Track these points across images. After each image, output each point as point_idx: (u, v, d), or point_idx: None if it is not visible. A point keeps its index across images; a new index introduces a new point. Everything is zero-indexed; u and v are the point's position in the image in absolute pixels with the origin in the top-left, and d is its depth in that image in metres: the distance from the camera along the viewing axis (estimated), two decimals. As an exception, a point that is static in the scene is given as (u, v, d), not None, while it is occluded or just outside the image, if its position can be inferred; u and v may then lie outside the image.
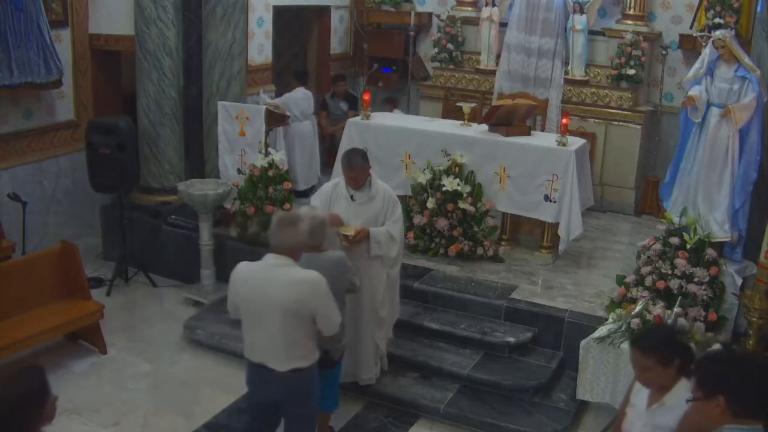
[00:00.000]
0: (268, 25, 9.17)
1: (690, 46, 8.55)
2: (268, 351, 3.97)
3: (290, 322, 3.87)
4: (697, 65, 6.40)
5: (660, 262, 5.52)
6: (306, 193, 8.34)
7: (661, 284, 5.44)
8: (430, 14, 10.42)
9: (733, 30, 6.80)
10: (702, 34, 7.61)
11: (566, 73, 8.90)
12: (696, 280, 5.34)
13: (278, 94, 9.35)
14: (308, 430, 4.28)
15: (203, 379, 5.90)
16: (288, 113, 8.07)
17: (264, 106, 7.33)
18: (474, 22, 9.49)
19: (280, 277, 3.86)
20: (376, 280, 5.27)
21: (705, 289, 5.32)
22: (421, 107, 9.69)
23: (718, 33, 6.28)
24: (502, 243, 7.11)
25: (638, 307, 5.17)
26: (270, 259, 3.93)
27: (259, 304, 3.90)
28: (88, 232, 7.91)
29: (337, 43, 10.77)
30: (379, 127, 7.36)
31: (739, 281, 5.97)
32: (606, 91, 8.77)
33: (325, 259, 4.32)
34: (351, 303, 5.17)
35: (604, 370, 5.01)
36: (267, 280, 3.88)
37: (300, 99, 8.73)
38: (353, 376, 5.46)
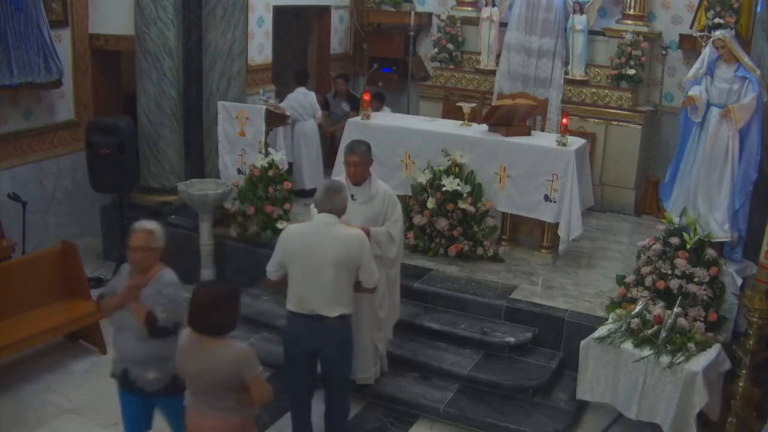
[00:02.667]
0: (268, 25, 9.18)
1: (690, 46, 8.55)
2: (321, 300, 4.47)
3: (341, 273, 4.45)
4: (697, 65, 6.40)
5: (660, 262, 5.52)
6: (311, 193, 8.36)
7: (661, 284, 5.44)
8: (430, 14, 10.42)
9: (733, 30, 6.78)
10: (702, 34, 7.61)
11: (566, 73, 8.90)
12: (696, 280, 5.34)
13: (278, 94, 9.37)
14: (347, 377, 4.84)
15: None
16: (289, 113, 8.16)
17: (264, 106, 7.33)
18: (474, 22, 9.49)
19: (333, 233, 4.48)
20: (376, 280, 5.28)
21: (705, 289, 5.32)
22: (421, 107, 9.69)
23: (718, 33, 6.27)
24: (502, 243, 7.11)
25: (638, 307, 5.16)
26: (322, 218, 4.53)
27: (316, 257, 4.43)
28: (88, 232, 7.91)
29: (337, 43, 10.78)
30: (379, 127, 7.36)
31: (739, 281, 5.97)
32: (606, 91, 8.77)
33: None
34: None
35: (604, 370, 5.00)
36: (323, 236, 4.48)
37: (301, 99, 8.75)
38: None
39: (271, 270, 4.65)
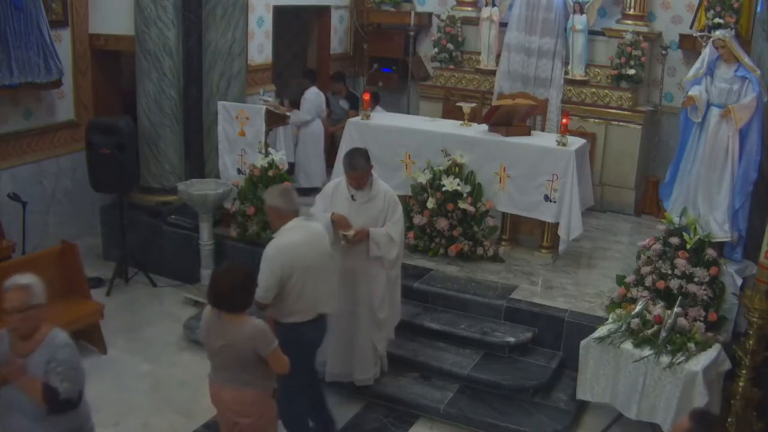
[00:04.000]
0: (268, 25, 9.18)
1: (690, 46, 8.55)
2: (329, 297, 4.69)
3: (334, 264, 4.78)
4: (697, 65, 6.39)
5: (660, 262, 5.52)
6: (308, 192, 8.42)
7: (661, 284, 5.44)
8: (430, 14, 10.42)
9: (733, 30, 6.78)
10: (702, 34, 7.61)
11: (566, 73, 8.90)
12: (696, 280, 5.34)
13: (278, 95, 9.38)
14: None
15: (203, 379, 5.82)
16: (310, 117, 8.66)
17: (264, 106, 7.33)
18: (474, 22, 9.49)
19: (316, 231, 4.66)
20: (375, 281, 5.27)
21: (705, 289, 5.32)
22: (421, 107, 9.69)
23: (718, 33, 6.27)
24: (502, 243, 7.10)
25: (638, 307, 5.16)
26: (300, 221, 4.58)
27: (318, 260, 4.55)
28: (88, 232, 7.91)
29: (337, 43, 10.78)
30: (379, 127, 7.36)
31: (739, 281, 5.96)
32: (606, 91, 8.77)
33: None
34: (349, 303, 5.17)
35: (604, 370, 5.00)
36: (315, 237, 4.60)
37: (314, 99, 8.89)
38: (349, 375, 5.47)
39: (268, 293, 4.39)
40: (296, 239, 4.48)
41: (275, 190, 4.65)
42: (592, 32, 8.83)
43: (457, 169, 6.81)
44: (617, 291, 5.85)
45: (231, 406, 4.08)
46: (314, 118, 8.93)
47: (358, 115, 7.69)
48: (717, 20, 7.95)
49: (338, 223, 5.11)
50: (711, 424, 3.36)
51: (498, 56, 9.26)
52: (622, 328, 5.06)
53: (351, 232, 5.07)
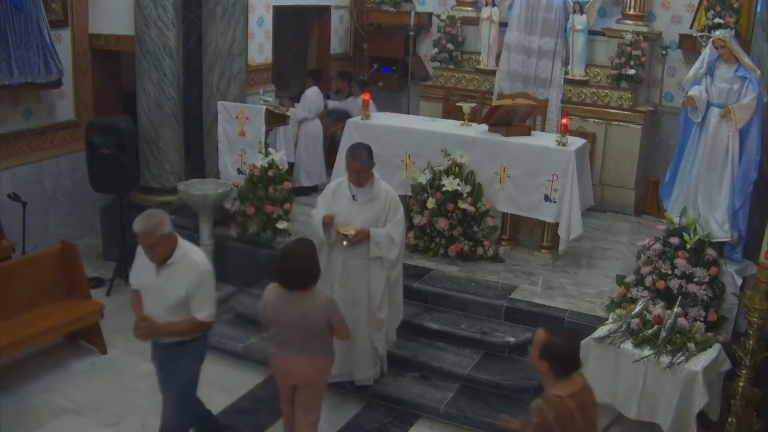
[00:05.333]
0: (268, 25, 9.18)
1: (690, 46, 8.55)
2: None
3: None
4: (697, 65, 6.39)
5: (660, 262, 5.52)
6: (314, 190, 8.48)
7: (661, 284, 5.44)
8: (430, 14, 10.42)
9: (733, 30, 6.76)
10: (702, 34, 7.60)
11: (566, 73, 8.90)
12: (696, 280, 5.34)
13: (278, 94, 9.38)
14: None
15: (203, 379, 5.86)
16: (307, 115, 8.64)
17: (264, 106, 7.33)
18: (474, 22, 9.49)
19: None
20: (375, 281, 5.27)
21: (705, 289, 5.32)
22: (421, 107, 9.69)
23: (718, 33, 6.26)
24: (502, 243, 7.10)
25: (638, 307, 5.16)
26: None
27: None
28: (88, 232, 7.91)
29: (337, 43, 10.77)
30: (379, 127, 7.36)
31: (739, 281, 5.96)
32: (606, 91, 8.77)
33: None
34: (349, 304, 5.16)
35: (604, 370, 5.00)
36: None
37: (316, 99, 8.93)
38: (349, 375, 5.47)
39: (215, 309, 4.58)
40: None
41: (155, 219, 4.36)
42: (592, 32, 8.83)
43: (457, 169, 6.81)
44: (617, 291, 5.85)
45: (304, 374, 4.43)
46: (313, 117, 8.94)
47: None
48: (717, 20, 7.95)
49: (326, 222, 5.13)
50: (563, 332, 3.69)
51: (498, 56, 9.26)
52: (622, 328, 5.06)
53: (351, 233, 5.07)
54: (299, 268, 4.29)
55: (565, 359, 3.48)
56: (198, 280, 4.26)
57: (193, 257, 4.33)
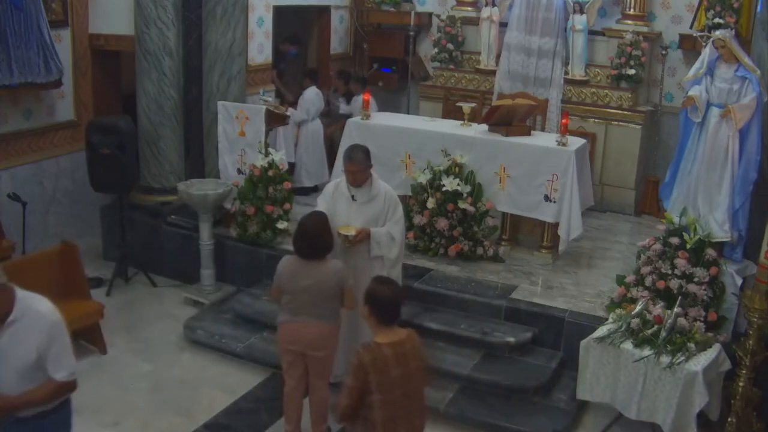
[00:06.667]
0: (268, 25, 9.17)
1: (690, 46, 8.55)
2: None
3: None
4: (697, 65, 6.39)
5: (660, 262, 5.52)
6: (315, 190, 8.47)
7: (661, 284, 5.44)
8: (430, 14, 10.41)
9: (733, 30, 6.77)
10: (702, 34, 7.60)
11: (566, 73, 8.90)
12: (696, 280, 5.34)
13: (278, 94, 9.38)
14: None
15: (203, 379, 5.90)
16: (306, 116, 8.64)
17: (264, 106, 7.33)
18: (474, 22, 9.49)
19: None
20: (376, 281, 5.27)
21: (705, 289, 5.32)
22: (421, 107, 9.69)
23: (718, 33, 6.27)
24: (502, 243, 7.10)
25: (638, 307, 5.16)
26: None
27: None
28: (88, 232, 7.90)
29: (337, 43, 10.77)
30: (379, 127, 7.36)
31: (739, 281, 5.96)
32: (606, 91, 8.77)
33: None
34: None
35: (604, 370, 5.00)
36: None
37: (315, 99, 8.92)
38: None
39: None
40: None
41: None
42: (592, 32, 8.83)
43: (457, 169, 6.81)
44: (617, 291, 5.85)
45: (313, 340, 4.71)
46: (313, 118, 8.93)
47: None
48: (717, 20, 7.95)
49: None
50: (389, 283, 4.01)
51: (498, 56, 9.26)
52: (622, 328, 5.06)
53: (352, 233, 5.08)
54: (315, 237, 4.71)
55: (384, 307, 3.80)
56: (48, 335, 3.48)
57: (37, 308, 3.53)
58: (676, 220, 5.64)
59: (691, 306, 5.25)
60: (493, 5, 9.20)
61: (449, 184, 6.70)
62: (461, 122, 7.41)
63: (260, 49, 9.10)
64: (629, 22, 8.74)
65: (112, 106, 8.22)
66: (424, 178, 6.85)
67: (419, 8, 10.38)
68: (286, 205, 7.06)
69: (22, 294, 3.52)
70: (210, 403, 5.53)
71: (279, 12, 9.39)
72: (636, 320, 5.04)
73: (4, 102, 6.99)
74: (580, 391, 5.17)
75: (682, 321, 4.96)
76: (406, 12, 10.11)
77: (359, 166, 5.13)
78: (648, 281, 5.54)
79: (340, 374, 5.38)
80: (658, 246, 5.58)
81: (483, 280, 6.49)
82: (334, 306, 4.79)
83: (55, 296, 6.04)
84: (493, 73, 9.29)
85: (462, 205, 6.70)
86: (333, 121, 9.51)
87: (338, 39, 10.79)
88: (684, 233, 5.48)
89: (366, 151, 5.20)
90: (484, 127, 7.17)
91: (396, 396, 3.72)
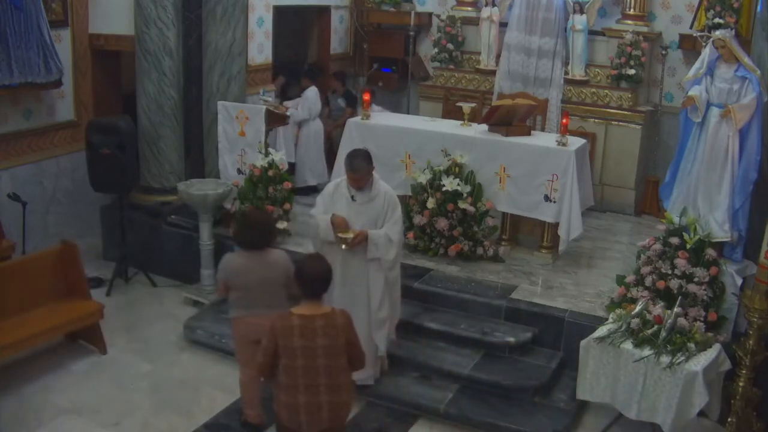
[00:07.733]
0: (268, 25, 9.18)
1: (690, 46, 8.55)
2: None
3: None
4: (697, 65, 6.39)
5: (660, 262, 5.52)
6: (315, 190, 8.47)
7: (661, 284, 5.44)
8: (430, 14, 10.42)
9: (733, 30, 6.77)
10: (702, 34, 7.60)
11: (566, 73, 8.90)
12: (696, 280, 5.34)
13: (278, 94, 9.39)
14: None
15: (203, 379, 5.90)
16: (306, 116, 8.64)
17: (264, 106, 7.33)
18: (474, 22, 9.49)
19: None
20: (374, 281, 5.27)
21: (705, 289, 5.32)
22: (421, 107, 9.69)
23: (718, 33, 6.26)
24: (502, 243, 7.10)
25: (638, 307, 5.16)
26: None
27: None
28: (88, 232, 7.91)
29: (337, 43, 10.77)
30: (379, 127, 7.36)
31: (739, 281, 5.96)
32: (606, 91, 8.76)
33: None
34: (348, 304, 5.15)
35: (604, 370, 5.00)
36: None
37: (314, 99, 8.92)
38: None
39: None
40: None
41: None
42: (592, 32, 8.83)
43: (457, 169, 6.81)
44: (617, 291, 5.85)
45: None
46: (313, 118, 8.95)
47: (355, 114, 7.67)
48: (717, 20, 7.94)
49: (337, 225, 5.11)
50: (317, 260, 4.24)
51: (498, 56, 9.26)
52: (622, 328, 5.06)
53: (350, 236, 5.07)
54: (265, 225, 4.99)
55: (308, 281, 4.06)
56: None
57: None
58: (676, 220, 5.64)
59: (691, 306, 5.25)
60: (493, 5, 9.20)
61: (449, 184, 6.70)
62: (461, 122, 7.41)
63: (260, 49, 9.10)
64: (629, 22, 8.74)
65: (112, 106, 8.23)
66: (424, 178, 6.85)
67: (419, 8, 10.38)
68: (286, 205, 7.05)
69: None
70: (210, 403, 5.53)
71: (279, 12, 9.39)
72: (636, 320, 5.04)
73: (4, 102, 6.99)
74: (580, 391, 5.17)
75: (682, 321, 4.96)
76: (406, 12, 10.11)
77: (361, 174, 5.14)
78: (648, 281, 5.54)
79: (365, 377, 5.41)
80: (658, 246, 5.58)
81: (483, 280, 6.49)
82: (283, 293, 4.93)
83: (55, 296, 6.12)
84: (493, 73, 9.29)
85: (462, 205, 6.71)
86: (333, 119, 9.53)
87: (338, 39, 10.80)
88: (684, 233, 5.48)
89: (367, 156, 5.20)
90: (484, 127, 7.17)
91: (297, 365, 3.98)
